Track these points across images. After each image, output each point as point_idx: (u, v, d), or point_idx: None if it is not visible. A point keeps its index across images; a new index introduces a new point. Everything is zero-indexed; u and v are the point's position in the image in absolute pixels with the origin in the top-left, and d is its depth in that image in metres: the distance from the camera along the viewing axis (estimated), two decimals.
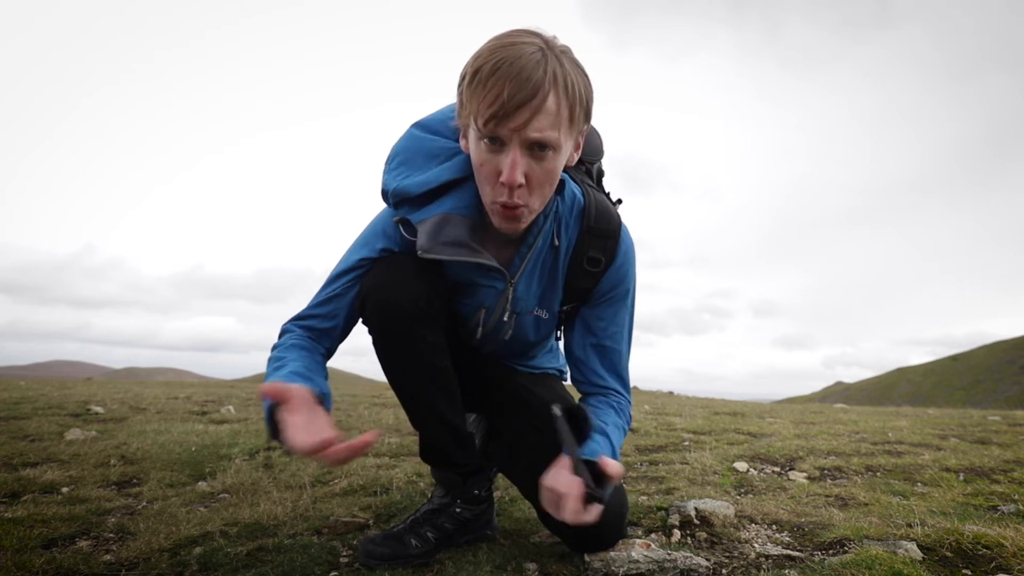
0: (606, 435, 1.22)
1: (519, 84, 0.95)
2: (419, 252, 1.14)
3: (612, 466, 1.03)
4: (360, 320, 1.27)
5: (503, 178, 1.02)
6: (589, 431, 1.16)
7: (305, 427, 0.94)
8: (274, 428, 1.01)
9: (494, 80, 0.96)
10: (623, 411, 1.32)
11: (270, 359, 1.19)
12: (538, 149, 1.01)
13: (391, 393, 4.79)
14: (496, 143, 1.01)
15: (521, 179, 1.02)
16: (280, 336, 1.25)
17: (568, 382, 1.68)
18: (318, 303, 1.26)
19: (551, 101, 0.98)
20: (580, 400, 1.37)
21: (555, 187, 1.11)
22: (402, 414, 4.04)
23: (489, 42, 1.01)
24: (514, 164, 1.01)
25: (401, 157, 1.22)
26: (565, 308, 1.35)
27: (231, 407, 4.63)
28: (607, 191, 1.44)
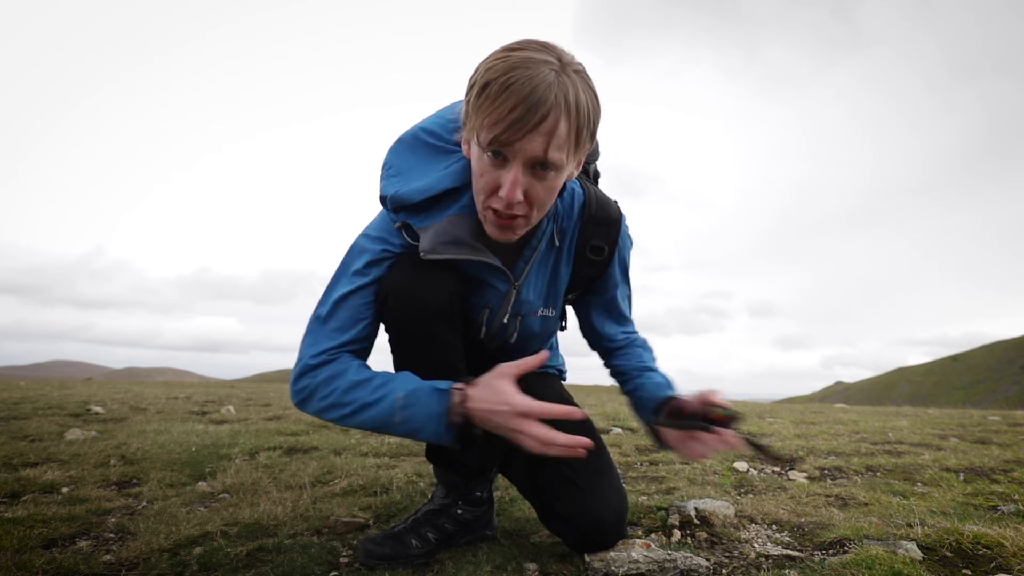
0: (655, 370, 1.39)
1: (529, 105, 0.94)
2: (422, 254, 1.13)
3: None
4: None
5: (502, 194, 1.01)
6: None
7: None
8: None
9: (504, 97, 0.94)
10: (645, 345, 1.46)
11: (355, 384, 1.11)
12: (540, 168, 1.01)
13: None
14: (499, 158, 1.00)
15: (520, 197, 1.02)
16: (325, 370, 1.13)
17: (567, 381, 1.68)
18: (346, 327, 1.17)
19: (559, 124, 0.97)
20: (611, 357, 1.46)
21: (554, 200, 1.11)
22: None
23: (502, 52, 0.98)
24: (515, 182, 1.00)
25: (397, 164, 1.20)
26: (571, 296, 1.38)
27: (231, 407, 4.63)
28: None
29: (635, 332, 1.49)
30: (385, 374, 1.14)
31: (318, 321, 1.18)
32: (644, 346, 1.46)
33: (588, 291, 1.39)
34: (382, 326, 1.24)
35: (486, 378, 1.07)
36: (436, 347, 1.21)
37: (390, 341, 1.25)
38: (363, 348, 1.20)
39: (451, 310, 1.20)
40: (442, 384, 1.09)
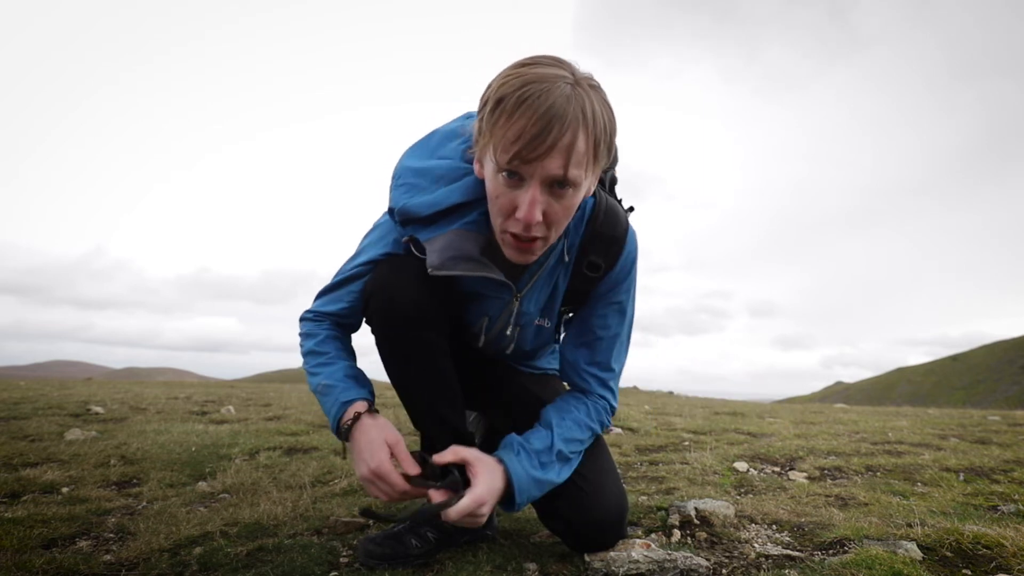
0: (550, 427, 1.25)
1: (546, 122, 0.91)
2: (429, 270, 1.12)
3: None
4: (363, 319, 1.29)
5: (520, 215, 0.99)
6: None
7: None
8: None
9: (520, 113, 0.92)
10: (598, 411, 1.31)
11: (311, 352, 1.29)
12: (558, 187, 0.98)
13: (391, 393, 4.78)
14: (515, 178, 0.98)
15: (539, 217, 0.99)
16: (306, 326, 1.33)
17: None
18: (335, 301, 1.31)
19: (578, 139, 0.94)
20: (563, 393, 1.38)
21: (571, 219, 1.08)
22: (402, 414, 4.04)
23: (515, 68, 0.96)
24: (533, 202, 0.98)
25: (407, 176, 1.18)
26: (564, 310, 1.36)
27: (231, 407, 4.63)
28: (619, 198, 1.44)
29: (605, 387, 1.32)
30: (330, 356, 1.27)
31: (322, 291, 1.34)
32: (596, 406, 1.31)
33: (580, 306, 1.33)
34: (366, 329, 1.29)
35: (384, 424, 1.19)
36: (419, 347, 1.22)
37: (376, 343, 1.26)
38: (351, 324, 1.33)
39: (432, 310, 1.20)
40: (348, 395, 1.20)
